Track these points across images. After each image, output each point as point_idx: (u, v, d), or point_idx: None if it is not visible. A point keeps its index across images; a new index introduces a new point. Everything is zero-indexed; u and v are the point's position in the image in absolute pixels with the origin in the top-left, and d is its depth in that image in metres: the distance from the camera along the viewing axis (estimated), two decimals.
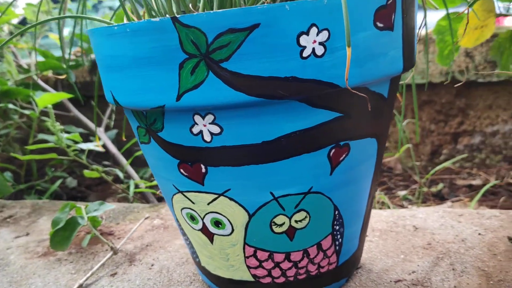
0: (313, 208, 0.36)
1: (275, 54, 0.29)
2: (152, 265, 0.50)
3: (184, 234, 0.42)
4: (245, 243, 0.37)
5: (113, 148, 0.99)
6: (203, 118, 0.32)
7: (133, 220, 0.64)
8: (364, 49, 0.31)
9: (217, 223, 0.37)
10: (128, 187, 0.96)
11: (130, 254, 0.54)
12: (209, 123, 0.32)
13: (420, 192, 0.90)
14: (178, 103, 0.31)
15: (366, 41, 0.31)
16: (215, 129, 0.32)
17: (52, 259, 0.55)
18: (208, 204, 0.36)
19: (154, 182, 0.79)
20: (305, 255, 0.38)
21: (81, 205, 0.57)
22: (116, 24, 0.31)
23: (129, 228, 0.61)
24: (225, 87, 0.29)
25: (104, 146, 0.98)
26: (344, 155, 0.35)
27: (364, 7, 0.30)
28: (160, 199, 0.96)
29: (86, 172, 0.78)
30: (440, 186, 0.96)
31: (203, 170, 0.34)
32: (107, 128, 1.17)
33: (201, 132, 0.32)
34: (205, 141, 0.33)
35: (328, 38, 0.29)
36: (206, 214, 0.37)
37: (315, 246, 0.38)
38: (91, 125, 1.05)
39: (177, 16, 0.28)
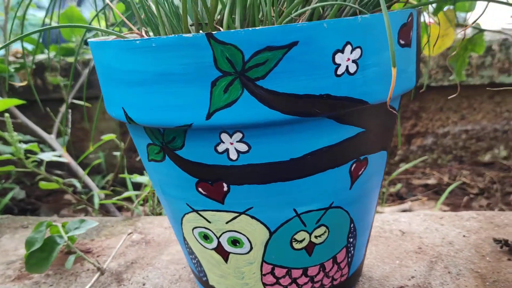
0: (332, 223, 0.36)
1: (311, 72, 0.28)
2: (144, 284, 0.48)
3: (191, 253, 0.40)
4: (263, 261, 0.36)
5: (67, 157, 0.93)
6: (231, 136, 0.31)
7: (109, 236, 0.61)
8: (390, 67, 0.31)
9: (235, 242, 0.36)
10: (88, 199, 0.91)
11: (116, 273, 0.51)
12: (237, 141, 0.31)
13: (383, 192, 0.94)
14: (208, 121, 0.29)
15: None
16: (243, 147, 0.31)
17: (28, 282, 0.51)
18: (227, 223, 0.35)
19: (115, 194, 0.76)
20: (321, 269, 0.38)
21: (57, 223, 0.53)
22: (139, 38, 0.29)
23: (107, 244, 0.58)
24: (260, 105, 0.28)
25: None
26: (362, 169, 0.35)
27: (391, 25, 0.31)
28: (120, 209, 0.92)
29: (43, 184, 0.73)
30: (399, 186, 1.00)
31: (225, 188, 0.33)
32: (59, 134, 1.10)
33: (227, 150, 0.31)
34: (231, 159, 0.32)
35: (361, 55, 0.29)
36: (223, 233, 0.35)
37: (331, 259, 0.38)
38: (41, 132, 0.99)
39: (213, 32, 0.27)
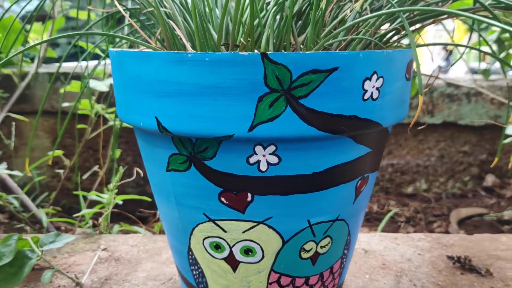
0: (336, 234, 0.39)
1: (345, 95, 0.32)
2: None
3: (193, 264, 0.41)
4: (271, 270, 0.38)
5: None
6: (265, 148, 0.33)
7: (72, 253, 0.59)
8: (399, 95, 0.36)
9: (248, 251, 0.38)
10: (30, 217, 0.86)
11: None
12: (269, 154, 0.33)
13: None
14: (249, 134, 0.32)
15: (400, 89, 0.36)
16: (274, 160, 0.34)
17: None
18: (243, 232, 0.37)
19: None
20: (320, 279, 0.41)
21: (27, 236, 0.51)
22: (191, 52, 0.31)
23: (73, 262, 0.56)
24: (300, 121, 0.32)
25: None
26: (364, 186, 0.39)
27: (403, 61, 0.36)
28: (58, 229, 0.88)
29: None
30: None
31: (249, 198, 0.35)
32: None
33: (258, 162, 0.34)
34: (261, 170, 0.34)
35: (382, 84, 0.34)
36: (238, 242, 0.37)
37: (329, 269, 0.41)
38: None
39: (267, 52, 0.30)
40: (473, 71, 1.29)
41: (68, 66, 1.14)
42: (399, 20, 0.38)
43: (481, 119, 1.09)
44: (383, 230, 0.96)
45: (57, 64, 1.17)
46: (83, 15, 1.02)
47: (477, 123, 1.09)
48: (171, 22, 0.39)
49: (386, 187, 1.17)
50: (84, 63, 0.62)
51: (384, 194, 1.17)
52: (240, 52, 0.30)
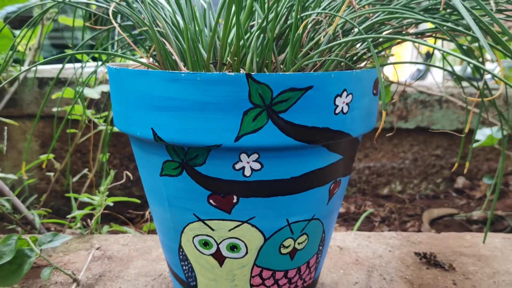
0: (312, 232, 0.44)
1: (318, 110, 0.37)
2: None
3: (183, 260, 0.45)
4: (254, 264, 0.43)
5: None
6: (249, 156, 0.38)
7: (66, 252, 0.62)
8: (366, 109, 0.41)
9: (233, 248, 0.42)
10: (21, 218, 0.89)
11: (88, 285, 0.53)
12: (253, 161, 0.38)
13: None
14: (235, 143, 0.36)
15: (368, 103, 0.41)
16: (257, 166, 0.38)
17: None
18: (229, 230, 0.41)
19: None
20: (297, 272, 0.45)
21: (25, 236, 0.54)
22: (184, 72, 0.35)
23: (67, 260, 0.60)
24: (279, 133, 0.36)
25: None
26: (337, 189, 0.44)
27: (369, 80, 0.41)
28: (48, 230, 0.91)
29: None
30: None
31: (235, 200, 0.40)
32: None
33: (243, 168, 0.38)
34: (245, 175, 0.38)
35: (352, 100, 0.39)
36: (224, 239, 0.42)
37: (306, 264, 0.46)
38: None
39: (252, 73, 0.34)
40: (451, 74, 1.36)
41: (55, 71, 1.17)
42: (374, 34, 0.43)
43: (452, 124, 1.15)
44: (359, 229, 1.01)
45: (44, 68, 1.19)
46: (70, 22, 1.05)
47: (449, 128, 1.15)
48: (164, 40, 0.43)
49: (363, 188, 1.23)
50: (69, 65, 0.66)
51: (361, 195, 1.22)
52: (228, 73, 0.34)
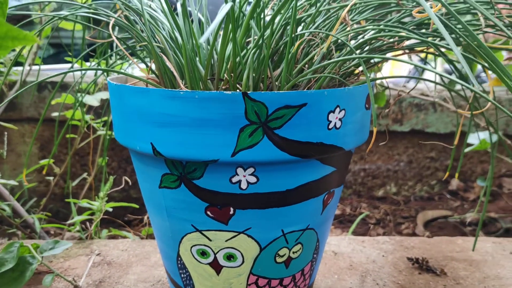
0: (306, 241, 0.45)
1: (312, 125, 0.38)
2: None
3: (181, 268, 0.47)
4: (250, 273, 0.44)
5: None
6: (245, 170, 0.39)
7: (67, 258, 0.64)
8: (359, 123, 0.43)
9: (230, 257, 0.43)
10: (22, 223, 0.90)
11: None
12: (249, 174, 0.39)
13: None
14: (232, 158, 0.37)
15: (361, 117, 0.43)
16: (253, 179, 0.39)
17: None
18: (226, 240, 0.42)
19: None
20: (292, 280, 0.47)
21: (27, 243, 0.56)
22: (183, 90, 0.37)
23: (68, 266, 0.61)
24: (274, 148, 0.37)
25: None
26: (330, 199, 0.45)
27: (362, 95, 0.42)
28: (48, 233, 0.92)
29: None
30: None
31: (231, 212, 0.41)
32: None
33: (239, 181, 0.39)
34: (241, 188, 0.40)
35: (344, 115, 0.40)
36: (221, 249, 0.43)
37: (301, 271, 0.47)
38: None
39: (248, 92, 0.36)
40: (449, 72, 1.38)
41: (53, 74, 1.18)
42: (365, 54, 0.44)
43: (447, 127, 1.17)
44: (354, 231, 1.03)
45: (42, 72, 1.20)
46: (69, 26, 1.06)
47: (443, 130, 1.17)
48: (163, 55, 0.44)
49: (359, 190, 1.24)
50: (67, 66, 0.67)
51: (357, 197, 1.24)
52: (225, 92, 0.36)
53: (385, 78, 0.47)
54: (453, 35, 0.41)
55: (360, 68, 0.46)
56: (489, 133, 0.52)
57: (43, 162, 0.85)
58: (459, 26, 0.44)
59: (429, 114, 1.16)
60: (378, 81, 0.90)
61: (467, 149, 1.04)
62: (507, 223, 1.07)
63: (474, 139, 1.03)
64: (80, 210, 0.92)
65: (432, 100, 1.11)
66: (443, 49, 0.48)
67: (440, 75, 0.32)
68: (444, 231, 1.05)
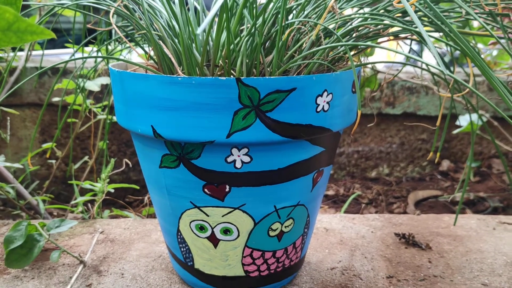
0: (297, 216, 0.49)
1: (301, 108, 0.41)
2: (123, 274, 0.56)
3: (181, 243, 0.50)
4: (245, 246, 0.48)
5: None
6: (239, 150, 0.42)
7: (72, 236, 0.67)
8: (346, 106, 0.45)
9: (226, 231, 0.47)
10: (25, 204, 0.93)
11: (93, 267, 0.58)
12: (243, 154, 0.42)
13: None
14: (227, 139, 0.40)
15: (347, 101, 0.46)
16: (247, 159, 0.42)
17: (8, 277, 0.55)
18: (223, 216, 0.46)
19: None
20: (284, 252, 0.50)
21: (34, 222, 0.59)
22: (181, 76, 0.40)
23: (73, 243, 0.64)
24: (266, 130, 0.40)
25: None
26: (320, 177, 0.49)
27: (348, 79, 0.45)
28: (50, 214, 0.95)
29: None
30: None
31: (227, 189, 0.44)
32: None
33: (234, 161, 0.42)
34: (236, 167, 0.43)
35: (332, 99, 0.43)
36: (218, 224, 0.46)
37: (292, 244, 0.50)
38: None
39: (241, 77, 0.39)
40: (444, 54, 1.40)
41: (54, 60, 1.20)
42: (350, 41, 0.47)
43: (438, 110, 1.20)
44: (346, 211, 1.06)
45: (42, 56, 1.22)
46: (67, 12, 1.08)
47: (434, 113, 1.20)
48: (161, 42, 0.47)
49: (352, 171, 1.28)
50: (66, 51, 0.69)
51: (350, 178, 1.27)
52: (220, 78, 0.39)
53: (371, 63, 0.50)
54: (428, 23, 0.43)
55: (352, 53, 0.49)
56: (469, 114, 0.55)
57: (46, 145, 0.88)
58: (448, 15, 0.47)
59: (420, 97, 1.19)
60: (369, 65, 0.92)
61: (455, 131, 1.07)
62: (495, 202, 1.11)
63: (464, 121, 1.07)
64: (82, 192, 0.96)
65: (420, 83, 1.14)
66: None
67: (414, 59, 0.35)
68: (434, 210, 1.09)
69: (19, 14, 0.21)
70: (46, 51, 1.42)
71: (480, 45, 1.17)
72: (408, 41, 0.62)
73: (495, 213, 1.08)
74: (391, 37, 0.50)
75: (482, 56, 1.49)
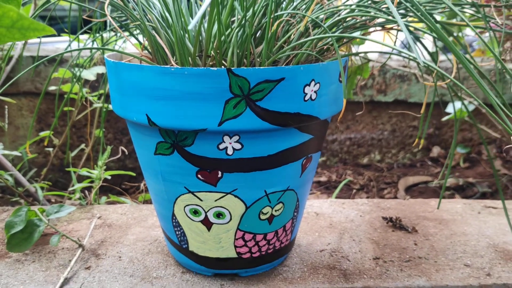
0: (287, 200, 0.51)
1: (290, 98, 0.43)
2: (120, 257, 0.58)
3: (176, 226, 0.52)
4: (237, 229, 0.50)
5: None
6: (231, 138, 0.44)
7: (70, 221, 0.69)
8: (333, 95, 0.47)
9: (219, 215, 0.49)
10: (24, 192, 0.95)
11: (91, 250, 0.60)
12: (234, 142, 0.44)
13: None
14: (219, 127, 0.42)
15: (334, 90, 0.47)
16: (238, 146, 0.44)
17: (10, 260, 0.58)
18: (215, 200, 0.48)
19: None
20: (275, 235, 0.52)
21: (34, 208, 0.61)
22: (174, 66, 0.41)
23: (71, 228, 0.67)
24: (256, 118, 0.42)
25: None
26: (309, 163, 0.51)
27: (335, 69, 0.47)
28: (49, 201, 0.97)
29: None
30: None
31: (219, 175, 0.46)
32: None
33: (226, 148, 0.44)
34: (228, 154, 0.45)
35: (319, 88, 0.45)
36: (211, 208, 0.48)
37: (282, 227, 0.53)
38: None
39: (232, 68, 0.40)
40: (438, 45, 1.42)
41: (49, 49, 1.21)
42: (338, 32, 0.49)
43: (429, 97, 1.22)
44: (338, 196, 1.09)
45: (37, 46, 1.23)
46: (63, 2, 1.08)
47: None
48: (155, 33, 0.49)
49: (344, 158, 1.30)
50: (63, 39, 0.71)
51: (342, 164, 1.30)
52: (211, 68, 0.40)
53: (358, 53, 0.52)
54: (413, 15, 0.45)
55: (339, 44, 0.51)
56: (453, 102, 0.57)
57: (44, 133, 0.89)
58: (441, 7, 0.49)
59: (412, 85, 1.21)
60: (361, 54, 0.94)
61: (444, 118, 1.09)
62: (484, 188, 1.14)
63: (452, 108, 1.09)
64: (79, 180, 0.97)
65: (409, 71, 1.16)
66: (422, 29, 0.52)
67: (397, 50, 0.37)
68: (424, 196, 1.11)
69: (22, 13, 0.22)
70: (42, 39, 1.43)
71: (472, 33, 1.19)
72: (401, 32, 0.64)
73: (483, 198, 1.10)
74: (377, 28, 0.51)
75: (475, 43, 1.51)
